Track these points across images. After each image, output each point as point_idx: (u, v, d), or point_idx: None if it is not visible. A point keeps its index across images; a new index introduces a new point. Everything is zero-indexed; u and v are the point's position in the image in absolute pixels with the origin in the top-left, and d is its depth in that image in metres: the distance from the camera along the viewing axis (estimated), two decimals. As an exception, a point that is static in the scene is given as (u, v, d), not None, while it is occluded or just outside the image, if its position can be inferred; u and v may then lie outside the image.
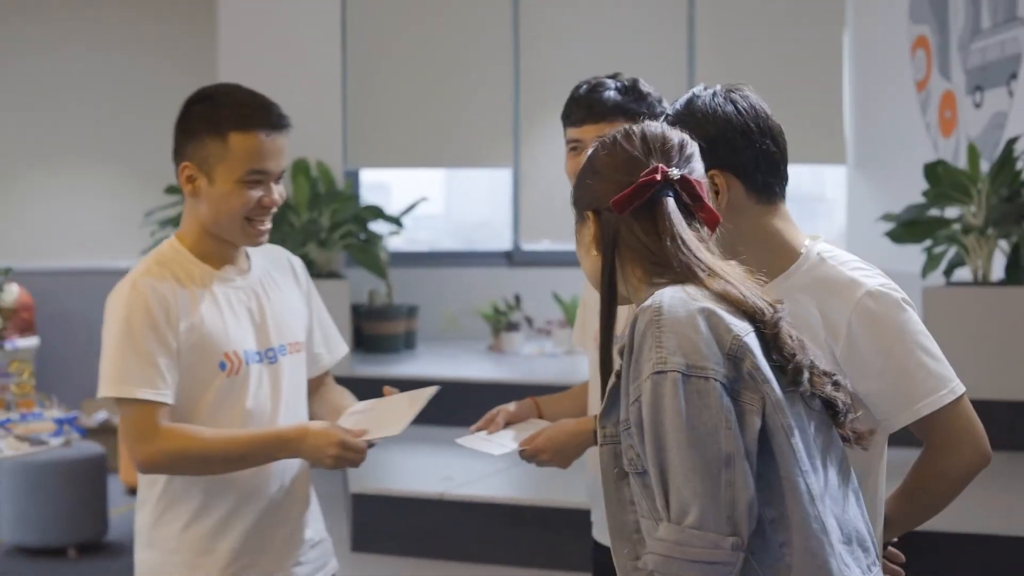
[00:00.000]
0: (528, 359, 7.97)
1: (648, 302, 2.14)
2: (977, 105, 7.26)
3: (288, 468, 3.05)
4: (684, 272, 2.20)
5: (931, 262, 6.30)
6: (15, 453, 5.26)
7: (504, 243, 9.26)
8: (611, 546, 2.27)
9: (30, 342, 8.63)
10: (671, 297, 2.13)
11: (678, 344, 2.06)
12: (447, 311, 8.58)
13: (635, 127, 2.33)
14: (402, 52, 9.14)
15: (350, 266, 8.11)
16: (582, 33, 9.25)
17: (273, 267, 3.14)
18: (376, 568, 5.31)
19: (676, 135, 2.33)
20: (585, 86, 3.40)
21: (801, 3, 9.11)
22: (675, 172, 2.25)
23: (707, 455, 2.02)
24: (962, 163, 6.90)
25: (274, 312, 3.06)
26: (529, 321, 8.48)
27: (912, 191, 6.92)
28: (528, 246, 9.25)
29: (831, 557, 2.10)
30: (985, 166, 6.53)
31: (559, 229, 9.15)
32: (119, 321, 2.85)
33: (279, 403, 3.03)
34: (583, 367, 7.54)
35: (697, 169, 2.32)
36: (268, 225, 2.97)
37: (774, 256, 2.59)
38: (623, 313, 2.39)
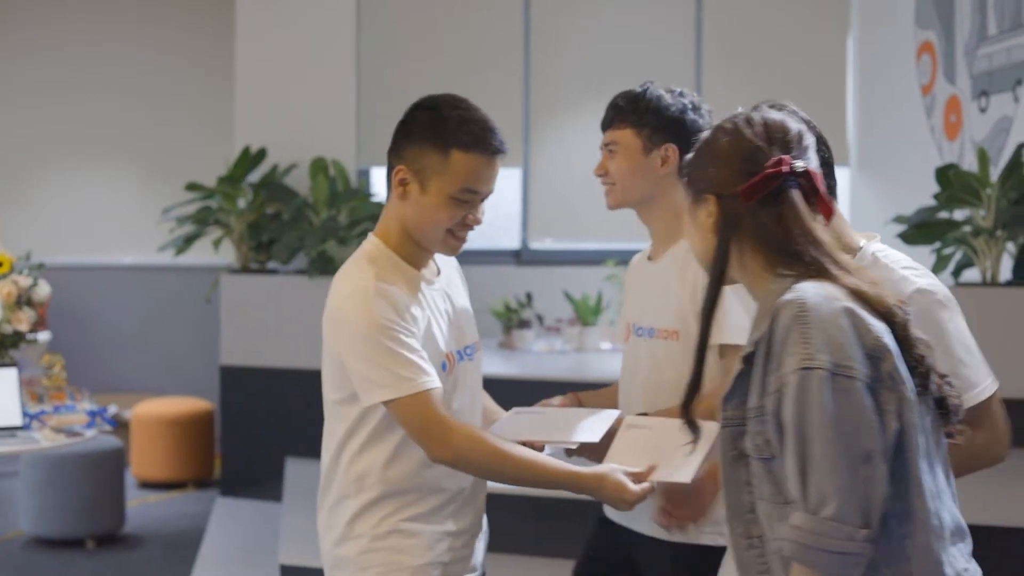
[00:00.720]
0: (539, 356, 8.07)
1: (790, 296, 2.21)
2: (983, 110, 7.40)
3: None
4: (816, 267, 2.27)
5: (940, 263, 6.43)
6: (52, 444, 5.35)
7: (512, 241, 9.39)
8: (727, 525, 2.37)
9: (43, 336, 8.72)
10: (814, 294, 2.20)
11: (824, 342, 2.14)
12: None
13: (755, 114, 2.41)
14: (414, 51, 9.24)
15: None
16: (592, 35, 9.37)
17: (450, 271, 3.19)
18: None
19: (794, 125, 2.40)
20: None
21: (806, 7, 9.25)
22: (800, 164, 2.33)
23: (849, 451, 2.10)
24: (967, 166, 7.04)
25: (462, 312, 3.13)
26: (540, 319, 8.60)
27: (917, 193, 7.05)
28: (536, 245, 9.38)
29: (943, 552, 2.20)
30: (990, 170, 6.67)
31: (566, 228, 9.29)
32: (371, 325, 2.84)
33: (476, 401, 3.12)
34: (593, 364, 7.70)
35: (813, 160, 2.39)
36: (465, 241, 3.02)
37: None
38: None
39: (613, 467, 2.92)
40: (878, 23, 8.95)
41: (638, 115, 3.40)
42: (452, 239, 2.99)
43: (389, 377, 2.83)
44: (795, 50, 9.22)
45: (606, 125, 3.43)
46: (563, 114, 9.21)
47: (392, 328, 2.83)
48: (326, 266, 7.61)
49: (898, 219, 6.64)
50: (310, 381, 7.50)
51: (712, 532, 3.37)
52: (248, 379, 7.79)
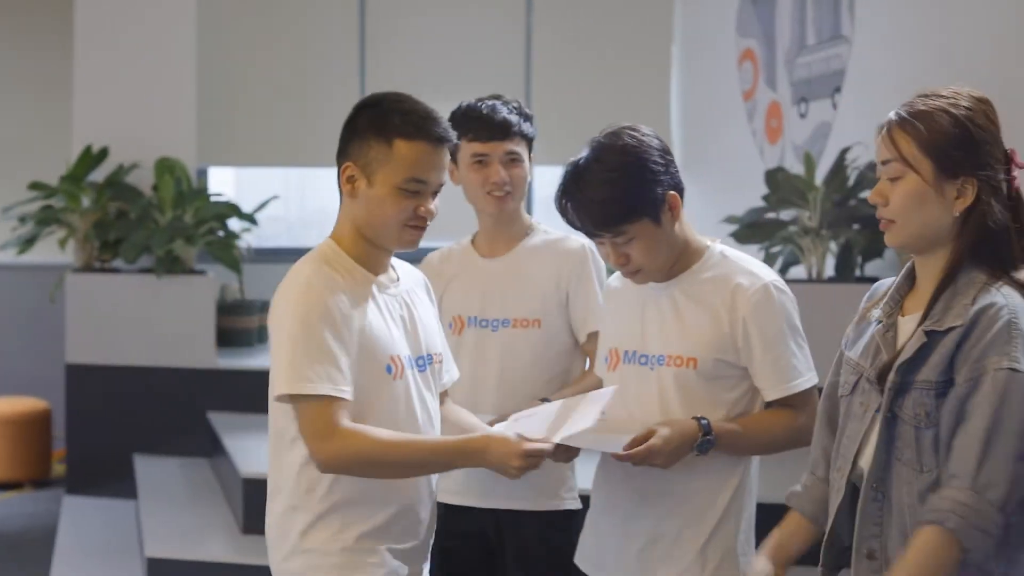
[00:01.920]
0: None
1: (1002, 302, 2.44)
2: (802, 115, 7.82)
3: None
4: (1008, 267, 2.50)
5: (768, 261, 6.79)
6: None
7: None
8: (866, 473, 2.57)
9: None
10: (1019, 304, 2.44)
11: None
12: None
13: (960, 88, 2.55)
14: (253, 51, 9.36)
15: (202, 262, 8.29)
16: (426, 37, 9.61)
17: (413, 283, 3.15)
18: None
19: None
20: (483, 106, 3.73)
21: (632, 15, 9.62)
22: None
23: (1022, 447, 2.37)
24: (788, 169, 7.45)
25: (421, 323, 3.08)
26: (379, 315, 8.78)
27: (739, 193, 7.44)
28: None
29: None
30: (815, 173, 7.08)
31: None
32: (296, 319, 2.85)
33: (429, 411, 3.05)
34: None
35: None
36: (422, 233, 2.98)
37: (685, 254, 3.10)
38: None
39: (503, 430, 2.98)
40: (701, 31, 9.35)
41: (530, 126, 3.83)
42: (407, 233, 2.95)
43: (293, 374, 2.82)
44: (622, 55, 9.59)
45: (503, 136, 3.72)
46: (399, 115, 9.40)
47: (315, 327, 2.82)
48: (173, 265, 7.71)
49: (729, 219, 7.00)
50: (157, 378, 7.67)
51: (571, 497, 3.71)
52: (94, 377, 7.79)
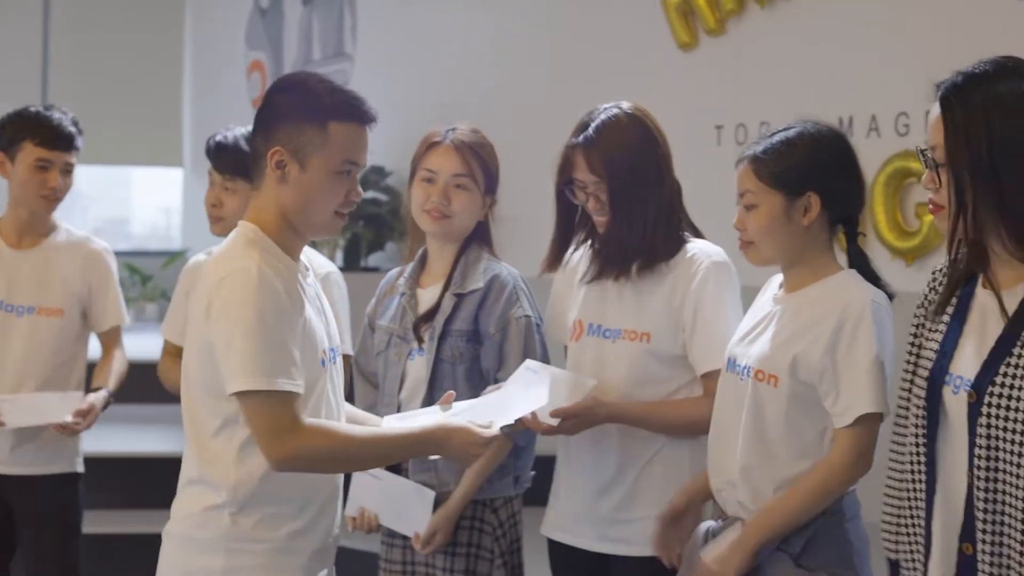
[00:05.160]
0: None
1: (504, 271, 3.48)
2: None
3: None
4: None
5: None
6: None
7: None
8: None
9: None
10: (515, 272, 3.51)
11: (529, 303, 3.47)
12: None
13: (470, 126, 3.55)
14: None
15: None
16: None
17: (313, 272, 2.95)
18: None
19: None
20: (53, 115, 4.17)
21: (144, 23, 10.22)
22: None
23: None
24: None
25: (329, 313, 2.93)
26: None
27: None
28: None
29: None
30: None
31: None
32: (250, 310, 2.63)
33: (340, 403, 2.92)
34: None
35: None
36: (347, 220, 2.89)
37: None
38: None
39: (454, 418, 2.90)
40: (211, 42, 10.02)
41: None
42: (337, 220, 2.81)
43: (253, 368, 2.63)
44: (135, 63, 10.13)
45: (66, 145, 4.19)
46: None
47: (271, 318, 2.65)
48: None
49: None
50: None
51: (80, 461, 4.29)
52: None
